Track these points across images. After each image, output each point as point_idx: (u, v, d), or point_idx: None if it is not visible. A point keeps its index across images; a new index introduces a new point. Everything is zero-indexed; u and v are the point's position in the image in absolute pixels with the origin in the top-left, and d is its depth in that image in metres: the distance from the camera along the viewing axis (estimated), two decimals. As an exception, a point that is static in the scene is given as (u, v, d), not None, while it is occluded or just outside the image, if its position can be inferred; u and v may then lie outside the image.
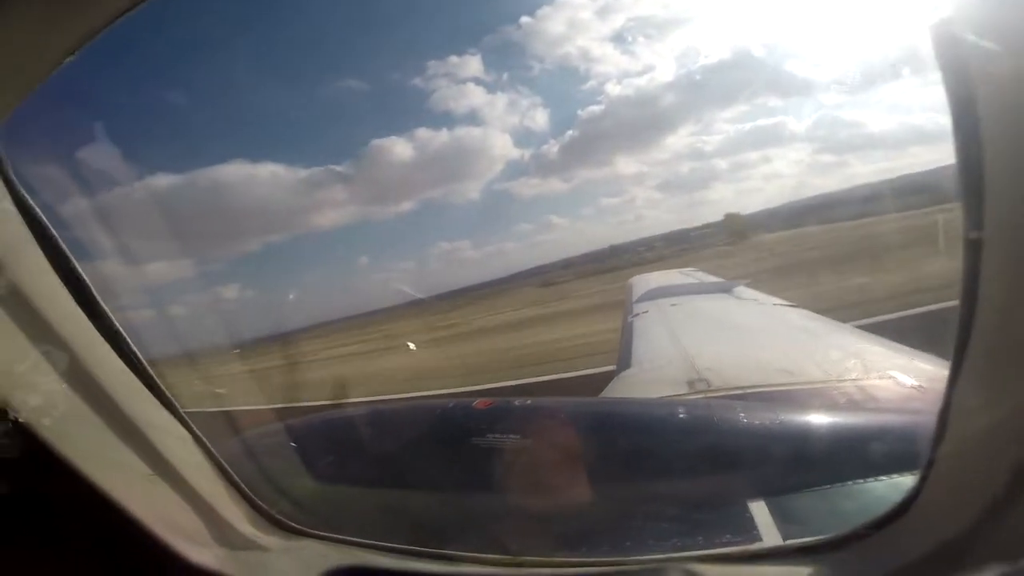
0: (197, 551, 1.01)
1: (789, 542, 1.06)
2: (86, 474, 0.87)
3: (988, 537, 0.68)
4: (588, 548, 1.24)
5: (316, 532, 1.21)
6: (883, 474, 1.21)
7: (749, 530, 1.15)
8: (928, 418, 1.71)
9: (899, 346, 2.55)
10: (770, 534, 1.13)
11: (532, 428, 1.58)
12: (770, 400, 2.00)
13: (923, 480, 0.82)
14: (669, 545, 1.19)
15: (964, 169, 0.62)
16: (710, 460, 1.44)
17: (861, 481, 1.22)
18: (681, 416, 1.76)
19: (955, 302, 0.69)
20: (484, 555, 1.08)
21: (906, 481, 1.18)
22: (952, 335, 0.69)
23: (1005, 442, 0.65)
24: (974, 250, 0.64)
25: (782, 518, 1.16)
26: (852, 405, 1.89)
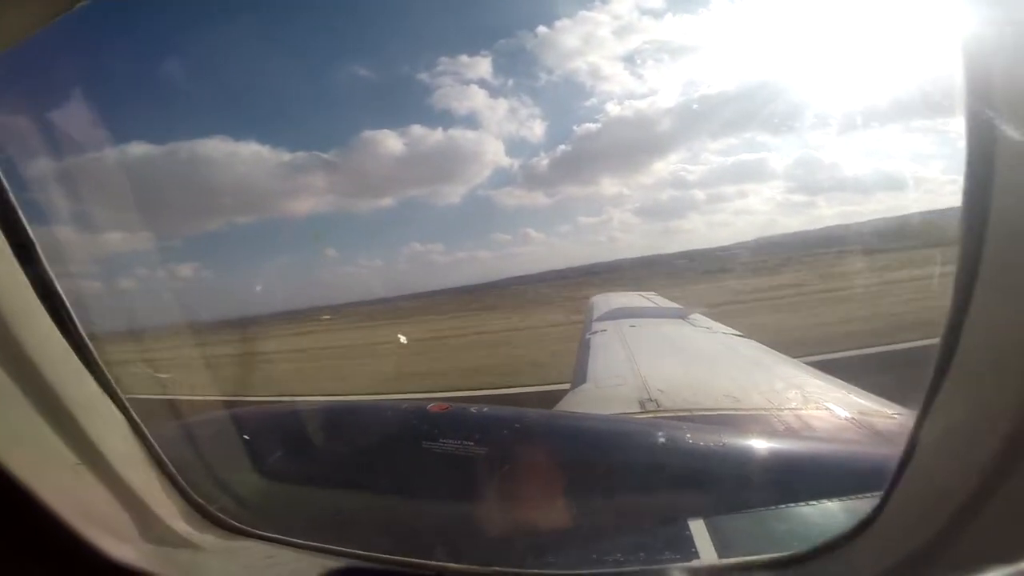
0: (123, 547, 0.91)
1: (751, 558, 1.08)
2: None
3: (945, 552, 0.72)
4: (532, 558, 1.24)
5: (257, 532, 1.14)
6: (816, 499, 1.27)
7: (688, 547, 1.18)
8: (859, 448, 1.81)
9: (836, 380, 2.70)
10: (707, 551, 1.16)
11: (485, 436, 1.57)
12: (715, 423, 2.07)
13: (884, 501, 0.86)
14: (611, 560, 1.20)
15: (969, 207, 0.66)
16: (655, 478, 1.47)
17: (795, 505, 1.28)
18: (630, 433, 1.80)
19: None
20: (426, 561, 1.05)
21: (835, 506, 1.25)
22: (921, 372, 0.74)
23: (966, 470, 0.70)
24: (965, 289, 0.68)
25: (718, 537, 1.20)
26: (790, 433, 1.98)
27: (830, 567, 0.90)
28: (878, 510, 0.87)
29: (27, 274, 0.89)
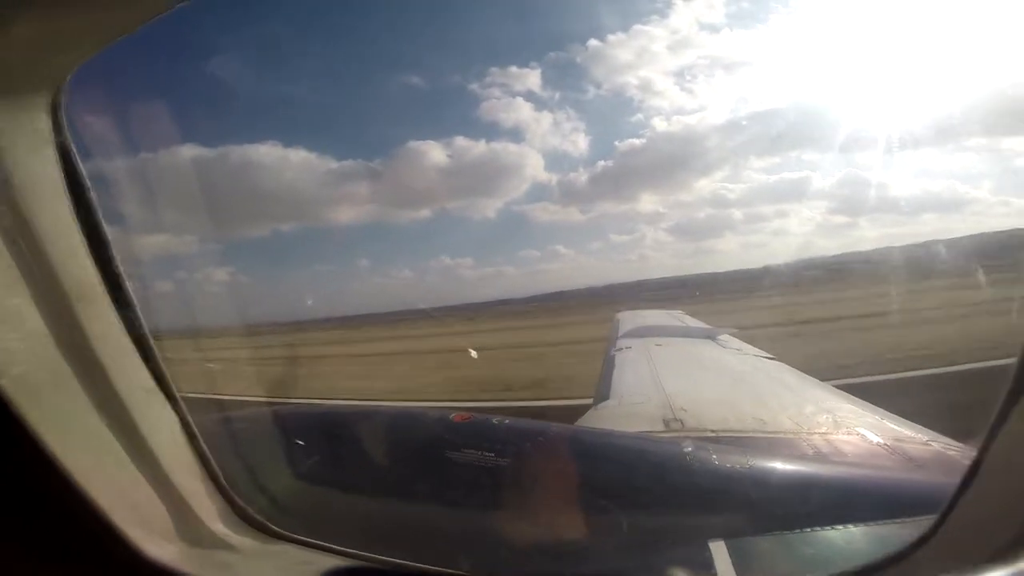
0: (161, 546, 0.92)
1: (806, 570, 1.06)
2: (44, 442, 0.77)
3: (1007, 567, 0.70)
4: (553, 571, 1.25)
5: (295, 536, 1.14)
6: (843, 524, 1.24)
7: (707, 568, 1.17)
8: (891, 474, 1.75)
9: (869, 405, 2.61)
10: (726, 573, 1.15)
11: (508, 447, 1.59)
12: (742, 445, 2.03)
13: (939, 524, 0.85)
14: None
15: None
16: (678, 497, 1.46)
17: (820, 529, 1.25)
18: (654, 452, 1.79)
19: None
20: (458, 572, 1.06)
21: (861, 532, 1.22)
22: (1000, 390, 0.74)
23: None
24: None
25: (740, 560, 1.18)
26: (820, 457, 1.92)
27: None
28: (934, 529, 0.85)
29: (99, 269, 0.91)
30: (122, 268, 0.94)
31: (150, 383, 1.00)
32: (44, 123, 0.84)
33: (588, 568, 1.26)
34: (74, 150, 0.88)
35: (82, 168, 0.90)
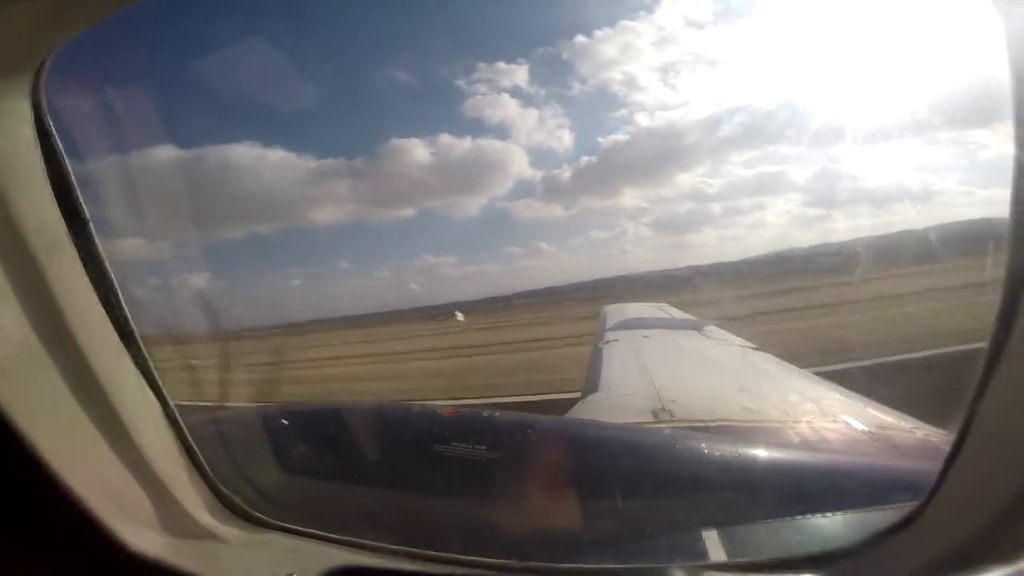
0: (146, 537, 0.90)
1: (794, 554, 1.07)
2: (22, 427, 0.75)
3: (992, 547, 0.72)
4: (543, 562, 1.24)
5: (282, 524, 1.13)
6: (830, 511, 1.26)
7: (698, 556, 1.18)
8: (876, 460, 1.79)
9: (852, 393, 2.67)
10: (717, 562, 1.16)
11: (496, 440, 1.59)
12: (729, 434, 2.06)
13: (924, 506, 0.86)
14: (618, 562, 1.21)
15: (1017, 209, 0.68)
16: (668, 486, 1.47)
17: (809, 516, 1.27)
18: (644, 442, 1.80)
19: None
20: (446, 554, 1.06)
21: (851, 518, 1.25)
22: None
23: (1013, 470, 0.71)
24: (1014, 289, 0.70)
25: (730, 547, 1.19)
26: (806, 445, 1.96)
27: (870, 564, 0.90)
28: (919, 511, 0.87)
29: (84, 262, 0.90)
30: (105, 254, 0.93)
31: (132, 372, 0.99)
32: (24, 105, 0.83)
33: (579, 560, 1.27)
34: (55, 133, 0.87)
35: (63, 151, 0.88)
